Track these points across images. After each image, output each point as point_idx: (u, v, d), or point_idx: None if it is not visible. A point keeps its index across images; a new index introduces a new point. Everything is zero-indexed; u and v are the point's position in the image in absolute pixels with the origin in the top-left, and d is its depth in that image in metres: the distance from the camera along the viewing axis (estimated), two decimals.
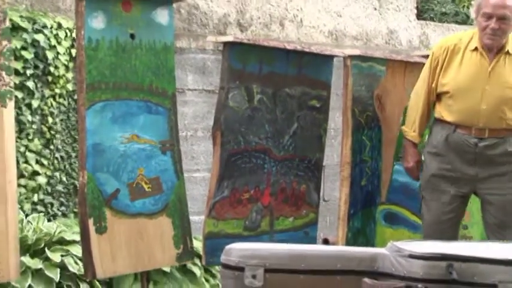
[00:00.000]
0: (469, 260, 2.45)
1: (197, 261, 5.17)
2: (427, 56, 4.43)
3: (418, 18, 10.01)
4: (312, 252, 2.73)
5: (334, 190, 4.74)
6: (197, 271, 5.54)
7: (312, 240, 4.68)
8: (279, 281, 2.59)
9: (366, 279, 2.53)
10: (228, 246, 2.68)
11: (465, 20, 14.94)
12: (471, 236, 5.04)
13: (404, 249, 2.53)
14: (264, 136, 4.38)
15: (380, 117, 4.65)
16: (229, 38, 4.50)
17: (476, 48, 4.13)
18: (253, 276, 2.56)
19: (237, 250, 2.64)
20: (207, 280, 5.65)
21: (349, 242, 4.55)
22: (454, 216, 4.25)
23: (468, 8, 16.11)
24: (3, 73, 3.67)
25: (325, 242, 5.42)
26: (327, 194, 5.07)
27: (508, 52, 4.10)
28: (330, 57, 4.79)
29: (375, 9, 9.40)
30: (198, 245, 4.57)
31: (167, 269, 5.32)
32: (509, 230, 4.12)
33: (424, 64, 4.35)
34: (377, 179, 4.68)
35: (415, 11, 9.91)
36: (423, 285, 2.42)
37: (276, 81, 4.41)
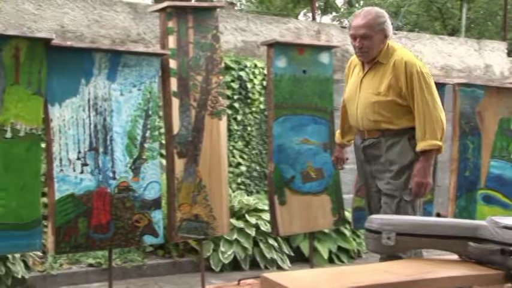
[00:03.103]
0: None
1: (347, 226, 5.12)
2: None
3: (508, 56, 9.48)
4: (430, 222, 2.62)
5: (445, 179, 4.54)
6: (347, 233, 5.49)
7: (429, 214, 4.50)
8: (406, 242, 2.50)
9: (471, 243, 2.40)
10: (370, 216, 2.62)
11: None
12: None
13: (500, 222, 2.38)
14: None
15: (480, 127, 4.40)
16: None
17: (358, 62, 3.39)
18: (388, 238, 2.49)
19: (377, 219, 2.58)
20: (354, 239, 5.59)
21: (456, 216, 4.35)
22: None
23: None
24: (220, 98, 3.76)
25: (438, 215, 5.21)
26: (440, 182, 4.86)
27: (378, 62, 3.23)
28: (443, 85, 4.58)
29: (475, 50, 8.98)
30: (348, 215, 4.52)
31: (326, 231, 5.30)
32: None
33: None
34: (477, 171, 4.43)
35: (506, 51, 9.39)
36: None
37: None
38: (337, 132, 3.73)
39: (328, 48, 4.26)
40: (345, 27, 8.14)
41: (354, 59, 3.43)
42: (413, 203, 3.21)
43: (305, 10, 17.60)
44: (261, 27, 6.97)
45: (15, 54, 3.03)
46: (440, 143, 3.13)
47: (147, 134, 3.49)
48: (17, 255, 4.34)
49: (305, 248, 5.22)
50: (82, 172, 3.26)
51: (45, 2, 5.75)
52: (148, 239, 3.51)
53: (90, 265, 4.84)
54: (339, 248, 5.45)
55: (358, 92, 3.28)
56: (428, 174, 3.15)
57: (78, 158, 3.26)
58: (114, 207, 3.34)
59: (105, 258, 4.76)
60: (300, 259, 5.30)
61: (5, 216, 3.00)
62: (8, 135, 3.03)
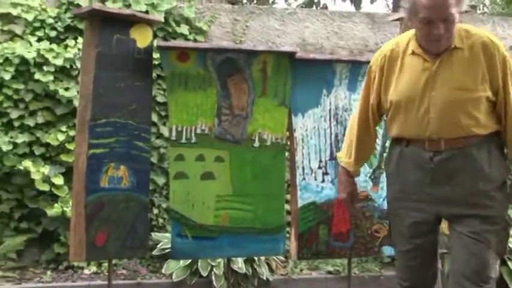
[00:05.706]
0: None
1: None
2: None
3: None
4: None
5: None
6: None
7: None
8: None
9: None
10: None
11: None
12: None
13: None
14: None
15: None
16: None
17: (415, 52, 2.43)
18: None
19: None
20: None
21: None
22: (421, 245, 2.49)
23: None
24: None
25: None
26: None
27: (455, 47, 2.35)
28: None
29: None
30: None
31: None
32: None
33: None
34: None
35: None
36: None
37: None
38: (345, 155, 2.72)
39: None
40: None
41: (387, 49, 2.53)
42: None
43: None
44: (509, 30, 6.51)
45: (263, 68, 3.25)
46: None
47: (387, 144, 3.47)
48: (262, 258, 4.60)
49: None
50: (323, 181, 3.37)
51: (288, 17, 6.05)
52: (388, 250, 3.48)
53: (329, 272, 4.94)
54: None
55: (429, 91, 2.40)
56: None
57: (320, 167, 3.37)
58: (354, 216, 3.39)
59: (343, 266, 4.82)
60: None
61: (253, 221, 3.21)
62: (256, 144, 3.24)
